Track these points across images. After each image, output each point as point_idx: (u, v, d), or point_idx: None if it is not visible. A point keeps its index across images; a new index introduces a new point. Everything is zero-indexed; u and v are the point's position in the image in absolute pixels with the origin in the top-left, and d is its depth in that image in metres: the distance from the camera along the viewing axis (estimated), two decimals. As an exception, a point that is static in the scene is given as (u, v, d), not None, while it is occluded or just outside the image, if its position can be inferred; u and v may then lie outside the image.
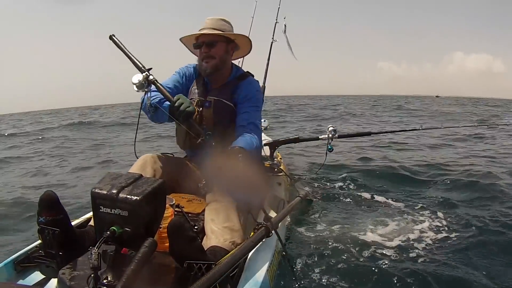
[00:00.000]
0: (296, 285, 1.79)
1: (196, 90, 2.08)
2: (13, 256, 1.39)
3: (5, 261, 1.36)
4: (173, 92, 1.89)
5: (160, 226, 1.38)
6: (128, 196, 1.10)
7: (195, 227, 1.62)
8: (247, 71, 2.18)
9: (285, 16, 3.75)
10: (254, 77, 2.17)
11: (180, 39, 2.08)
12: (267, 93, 3.56)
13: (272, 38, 3.70)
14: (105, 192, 1.12)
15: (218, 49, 2.00)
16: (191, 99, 2.05)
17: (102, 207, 1.12)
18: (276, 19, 3.73)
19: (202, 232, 1.60)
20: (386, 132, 4.93)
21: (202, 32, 1.97)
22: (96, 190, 1.13)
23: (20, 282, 1.35)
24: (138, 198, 1.09)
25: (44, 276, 1.37)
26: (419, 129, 4.05)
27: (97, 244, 1.06)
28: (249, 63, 2.86)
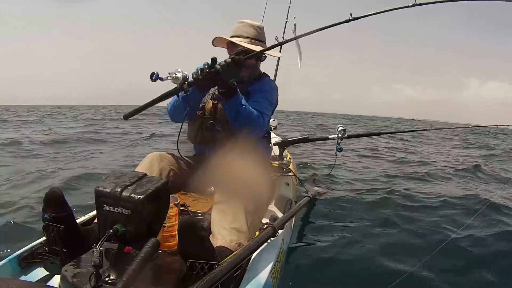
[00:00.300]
0: (301, 287, 1.78)
1: None
2: (18, 252, 1.40)
3: (10, 257, 1.37)
4: None
5: (164, 225, 1.38)
6: (131, 195, 1.10)
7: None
8: (264, 72, 2.23)
9: (295, 16, 3.73)
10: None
11: (216, 38, 2.11)
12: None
13: (283, 38, 3.68)
14: (108, 190, 1.12)
15: (253, 60, 2.05)
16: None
17: (105, 205, 1.12)
18: (286, 18, 3.72)
19: (207, 231, 1.59)
20: (396, 132, 4.91)
21: (244, 45, 2.00)
22: (100, 189, 1.14)
23: (24, 277, 1.36)
24: (140, 197, 1.09)
25: (48, 273, 1.37)
26: (429, 129, 4.02)
27: (100, 242, 1.06)
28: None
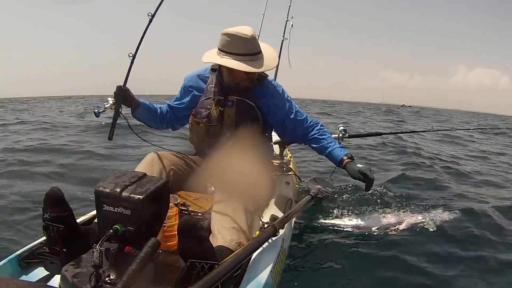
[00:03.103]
0: (301, 287, 1.77)
1: (214, 89, 2.05)
2: (18, 252, 1.40)
3: (10, 257, 1.37)
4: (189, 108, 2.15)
5: (164, 225, 1.38)
6: (131, 195, 1.10)
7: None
8: (262, 72, 2.10)
9: (293, 16, 3.74)
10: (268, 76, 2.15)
11: (205, 57, 1.99)
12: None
13: (283, 36, 3.68)
14: (108, 190, 1.12)
15: (253, 73, 1.96)
16: (209, 98, 2.04)
17: (105, 205, 1.13)
18: (287, 17, 3.72)
19: (207, 231, 1.59)
20: (396, 133, 4.89)
21: (240, 69, 1.86)
22: (100, 188, 1.14)
23: (24, 277, 1.35)
24: (140, 197, 1.09)
25: (48, 272, 1.37)
26: (430, 130, 4.00)
27: (100, 242, 1.06)
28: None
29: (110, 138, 1.99)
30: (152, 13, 1.86)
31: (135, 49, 1.87)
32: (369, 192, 3.50)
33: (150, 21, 1.87)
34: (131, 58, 1.86)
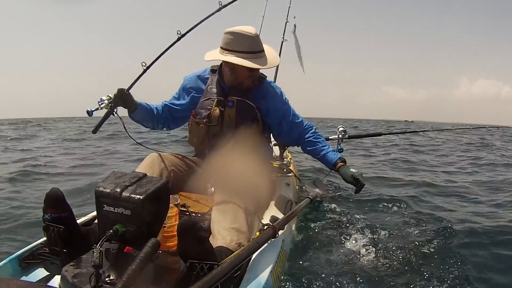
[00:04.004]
0: (301, 288, 1.77)
1: (214, 90, 2.07)
2: (18, 252, 1.40)
3: (10, 257, 1.37)
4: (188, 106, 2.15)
5: (164, 225, 1.39)
6: (131, 195, 1.11)
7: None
8: (261, 73, 2.15)
9: (295, 15, 3.73)
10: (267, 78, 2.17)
11: (208, 56, 2.02)
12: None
13: (283, 38, 3.68)
14: (108, 190, 1.13)
15: (256, 71, 2.01)
16: (209, 98, 2.06)
17: (105, 205, 1.13)
18: (286, 19, 3.71)
19: (207, 232, 1.59)
20: (396, 133, 4.88)
21: (246, 65, 1.89)
22: (100, 189, 1.14)
23: (24, 278, 1.36)
24: (140, 197, 1.10)
25: (48, 273, 1.37)
26: (429, 130, 4.01)
27: (100, 242, 1.06)
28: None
29: (94, 132, 1.99)
30: (182, 33, 1.92)
31: (151, 60, 1.89)
32: (369, 194, 3.52)
33: (179, 39, 1.92)
34: (144, 67, 1.88)
